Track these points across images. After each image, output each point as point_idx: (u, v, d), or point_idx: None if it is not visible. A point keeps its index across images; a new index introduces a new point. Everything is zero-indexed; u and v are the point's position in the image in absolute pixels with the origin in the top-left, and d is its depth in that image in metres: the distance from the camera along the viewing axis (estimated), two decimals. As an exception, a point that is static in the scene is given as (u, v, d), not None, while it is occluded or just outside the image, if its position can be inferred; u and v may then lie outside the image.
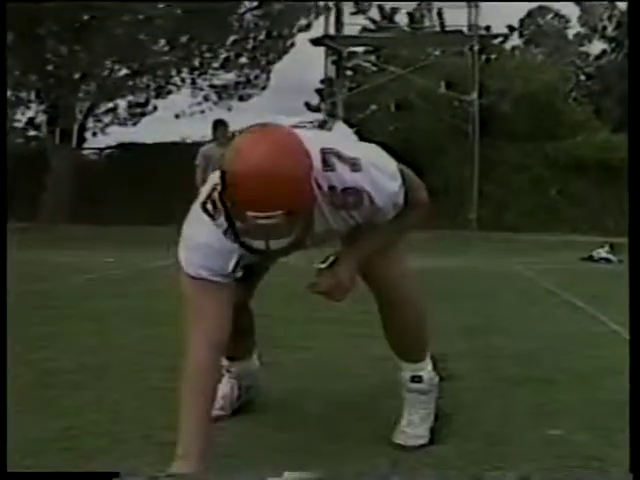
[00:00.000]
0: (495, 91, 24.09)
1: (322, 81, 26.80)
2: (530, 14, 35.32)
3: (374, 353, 3.73)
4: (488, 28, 25.69)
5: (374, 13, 29.02)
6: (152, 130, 44.04)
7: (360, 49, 28.00)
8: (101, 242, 15.23)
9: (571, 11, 42.80)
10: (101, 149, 26.62)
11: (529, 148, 23.37)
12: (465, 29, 23.73)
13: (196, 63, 25.06)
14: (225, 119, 10.05)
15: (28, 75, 22.83)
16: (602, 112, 27.74)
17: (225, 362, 2.92)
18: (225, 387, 2.97)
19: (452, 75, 24.21)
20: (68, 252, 12.23)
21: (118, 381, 3.56)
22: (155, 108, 26.63)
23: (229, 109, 25.62)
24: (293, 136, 2.15)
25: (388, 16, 29.41)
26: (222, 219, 2.20)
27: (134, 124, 26.82)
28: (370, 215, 2.38)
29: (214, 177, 2.24)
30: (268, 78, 26.28)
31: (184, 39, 23.43)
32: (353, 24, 25.63)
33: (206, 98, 25.93)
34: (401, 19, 29.43)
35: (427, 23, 28.70)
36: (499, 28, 28.61)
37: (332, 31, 24.08)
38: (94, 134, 26.27)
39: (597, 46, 33.49)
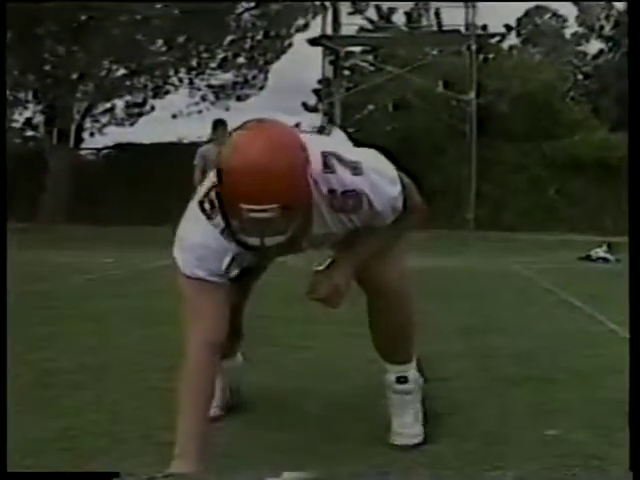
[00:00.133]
0: (493, 90, 24.10)
1: (320, 81, 26.83)
2: (527, 14, 35.35)
3: (372, 353, 3.73)
4: (485, 27, 25.71)
5: (371, 13, 29.05)
6: (149, 130, 44.16)
7: (357, 49, 28.01)
8: (100, 242, 15.23)
9: (568, 11, 42.81)
10: (99, 149, 26.62)
11: (527, 147, 23.38)
12: (462, 29, 23.75)
13: (194, 63, 25.08)
14: (224, 119, 10.04)
15: (26, 75, 22.83)
16: (600, 111, 27.76)
17: None
18: (218, 386, 2.98)
19: (450, 75, 24.23)
20: (67, 252, 12.22)
21: (117, 381, 3.56)
22: (152, 108, 26.67)
23: (227, 109, 25.65)
24: (289, 131, 2.17)
25: (385, 16, 29.41)
26: (219, 218, 2.20)
27: (131, 124, 26.86)
28: (369, 219, 2.38)
29: (212, 176, 2.24)
30: (266, 78, 26.34)
31: (181, 39, 23.44)
32: (350, 24, 25.69)
33: (204, 98, 25.96)
34: (398, 19, 29.48)
35: (424, 23, 28.70)
36: (496, 28, 28.66)
37: (329, 31, 24.10)
38: (92, 134, 26.33)
39: (594, 45, 33.56)
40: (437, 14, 27.48)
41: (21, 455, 2.47)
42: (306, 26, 25.02)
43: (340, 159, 2.29)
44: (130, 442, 2.69)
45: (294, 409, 3.14)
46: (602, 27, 32.91)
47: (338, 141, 2.52)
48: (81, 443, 2.68)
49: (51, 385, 3.47)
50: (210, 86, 25.83)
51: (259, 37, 25.07)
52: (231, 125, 9.70)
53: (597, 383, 3.54)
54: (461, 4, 23.58)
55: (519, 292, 7.64)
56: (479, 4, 23.60)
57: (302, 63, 41.44)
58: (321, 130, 2.45)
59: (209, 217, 2.26)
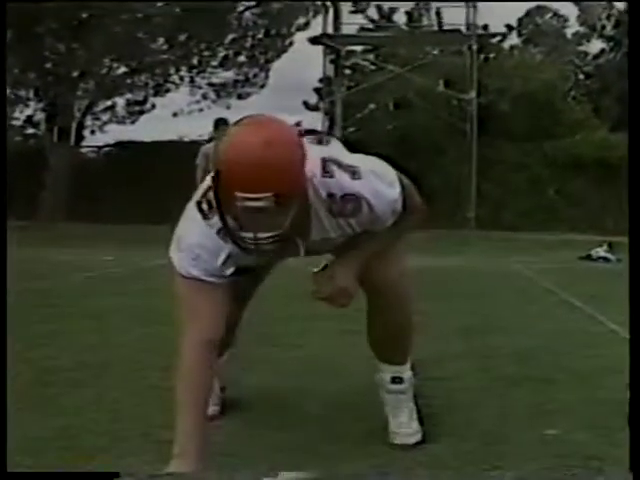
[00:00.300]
0: (494, 90, 24.10)
1: (320, 80, 26.82)
2: (528, 13, 35.33)
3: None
4: (486, 27, 25.69)
5: (372, 12, 29.03)
6: (150, 128, 44.19)
7: (358, 48, 28.00)
8: (100, 240, 15.23)
9: (570, 10, 42.75)
10: (99, 147, 26.63)
11: (527, 147, 23.38)
12: (463, 28, 23.73)
13: (195, 61, 25.09)
14: (226, 118, 10.03)
15: (27, 73, 22.83)
16: (601, 111, 27.75)
17: None
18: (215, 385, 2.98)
19: (450, 74, 24.23)
20: (68, 250, 12.23)
21: (118, 379, 3.56)
22: (153, 106, 26.69)
23: (228, 107, 25.68)
24: (286, 127, 2.18)
25: (386, 15, 29.38)
26: (216, 218, 2.21)
27: (132, 122, 26.89)
28: (369, 223, 2.39)
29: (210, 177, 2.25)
30: (267, 77, 26.37)
31: (183, 37, 23.45)
32: (351, 23, 25.66)
33: (204, 96, 25.98)
34: (399, 18, 29.45)
35: (425, 22, 28.68)
36: (497, 27, 28.68)
37: (331, 30, 24.08)
38: (92, 132, 26.35)
39: (596, 45, 33.53)
40: (438, 14, 27.47)
41: (21, 454, 2.47)
42: (307, 25, 25.07)
43: (339, 164, 2.31)
44: (130, 440, 2.69)
45: (293, 408, 3.14)
46: (603, 27, 32.88)
47: (337, 149, 2.54)
48: (81, 441, 2.69)
49: (51, 383, 3.47)
50: (211, 84, 25.85)
51: (260, 36, 25.08)
52: (232, 124, 9.70)
53: (597, 383, 3.54)
54: (462, 4, 23.56)
55: (519, 292, 7.64)
56: (480, 4, 23.60)
57: (303, 62, 41.47)
58: (320, 141, 2.46)
59: (205, 217, 2.27)
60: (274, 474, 2.25)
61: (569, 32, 35.11)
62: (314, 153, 2.26)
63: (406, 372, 2.78)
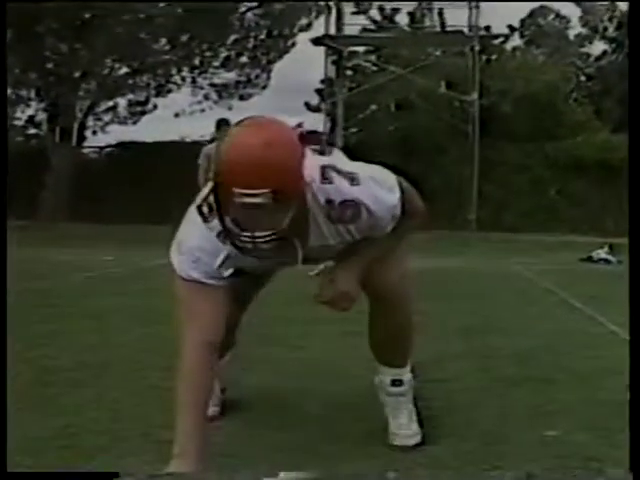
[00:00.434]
0: (495, 91, 24.09)
1: (322, 81, 26.80)
2: (531, 14, 35.31)
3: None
4: (488, 28, 25.69)
5: (375, 13, 29.03)
6: (152, 129, 44.19)
7: (360, 49, 27.98)
8: (101, 240, 15.24)
9: (572, 12, 42.73)
10: (101, 148, 26.62)
11: (529, 148, 23.38)
12: (466, 29, 23.72)
13: (196, 62, 25.09)
14: (228, 118, 10.02)
15: (28, 73, 22.83)
16: (602, 112, 27.74)
17: None
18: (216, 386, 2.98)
19: (452, 75, 24.21)
20: (68, 250, 12.24)
21: (117, 379, 3.57)
22: (155, 107, 26.66)
23: (229, 108, 25.64)
24: (286, 128, 2.21)
25: (389, 16, 29.37)
26: (215, 221, 2.22)
27: (134, 123, 26.86)
28: (368, 229, 2.40)
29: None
30: (268, 77, 26.34)
31: (185, 38, 23.45)
32: (353, 24, 25.63)
33: (206, 97, 25.97)
34: (401, 19, 29.41)
35: (427, 23, 28.64)
36: (500, 28, 28.65)
37: (333, 31, 24.06)
38: (94, 132, 26.31)
39: (598, 47, 33.50)
40: (440, 15, 27.45)
41: (21, 453, 2.47)
42: (309, 26, 25.03)
43: (338, 171, 2.33)
44: (130, 440, 2.69)
45: (294, 409, 3.14)
46: (606, 28, 32.87)
47: (337, 158, 2.56)
48: (81, 441, 2.69)
49: (51, 383, 3.47)
50: (213, 85, 25.84)
51: (262, 36, 25.08)
52: (234, 124, 9.69)
53: (597, 384, 3.54)
54: (464, 5, 23.56)
55: (520, 293, 7.64)
56: (482, 5, 23.61)
57: (305, 63, 41.40)
58: (322, 152, 2.49)
59: (206, 220, 2.29)
60: (274, 474, 2.25)
61: (571, 33, 35.10)
62: (314, 160, 2.30)
63: (406, 374, 2.79)
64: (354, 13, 26.56)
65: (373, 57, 27.91)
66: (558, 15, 35.60)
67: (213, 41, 24.18)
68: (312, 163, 2.25)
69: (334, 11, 24.26)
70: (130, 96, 25.99)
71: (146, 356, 4.03)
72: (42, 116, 25.00)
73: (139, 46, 22.28)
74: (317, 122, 25.26)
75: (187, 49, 23.89)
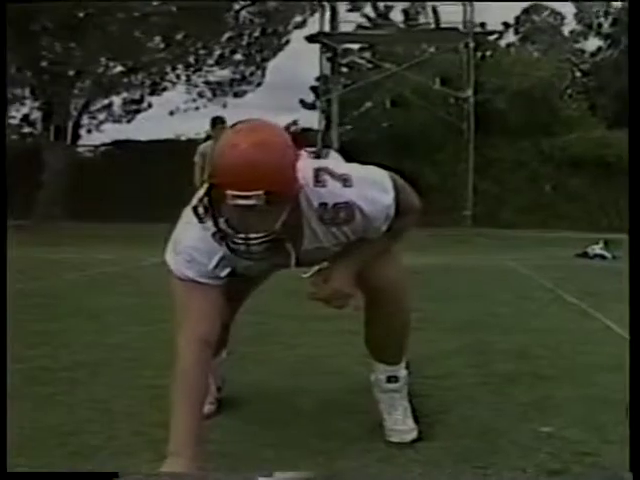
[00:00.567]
0: (490, 88, 24.11)
1: (317, 78, 26.82)
2: (526, 11, 35.33)
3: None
4: (483, 25, 25.69)
5: (369, 10, 29.02)
6: (147, 127, 44.20)
7: (355, 46, 27.96)
8: (97, 239, 15.22)
9: (567, 8, 42.76)
10: (96, 146, 26.63)
11: (524, 145, 23.41)
12: (460, 26, 23.72)
13: (191, 60, 25.07)
14: (223, 116, 10.02)
15: (23, 72, 22.78)
16: (598, 109, 27.78)
17: None
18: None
19: (447, 72, 24.23)
20: (64, 249, 12.22)
21: (114, 378, 3.56)
22: (150, 105, 26.67)
23: (224, 106, 25.67)
24: (279, 131, 2.23)
25: (383, 13, 29.40)
26: (211, 222, 2.24)
27: (129, 121, 26.87)
28: (362, 230, 2.42)
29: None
30: (263, 75, 26.34)
31: (179, 36, 23.41)
32: (348, 21, 25.70)
33: (201, 95, 25.98)
34: (396, 16, 29.47)
35: (422, 20, 28.68)
36: (494, 25, 28.69)
37: (327, 28, 24.08)
38: (89, 131, 26.33)
39: (593, 43, 33.56)
40: (435, 11, 27.45)
41: (16, 452, 2.47)
42: (304, 23, 25.02)
43: (332, 174, 2.35)
44: (125, 439, 2.69)
45: (289, 406, 3.14)
46: (600, 25, 32.91)
47: (332, 160, 2.57)
48: (77, 440, 2.69)
49: (47, 382, 3.47)
50: (207, 83, 25.84)
51: (256, 34, 25.06)
52: (229, 122, 9.68)
53: (593, 380, 3.53)
54: (458, 2, 23.56)
55: (515, 289, 7.64)
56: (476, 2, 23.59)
57: (299, 60, 41.50)
58: (318, 156, 2.51)
59: (201, 220, 2.30)
60: (269, 473, 2.26)
61: (566, 30, 35.18)
62: (308, 163, 2.32)
63: (401, 371, 2.80)
64: (349, 10, 26.63)
65: (368, 54, 27.92)
66: (553, 11, 35.64)
67: (207, 39, 24.15)
68: (306, 165, 2.28)
69: (328, 8, 24.27)
70: (125, 94, 26.02)
71: (142, 355, 4.03)
72: (37, 115, 25.01)
73: (133, 44, 22.22)
74: (312, 119, 25.29)
75: (181, 47, 23.85)
